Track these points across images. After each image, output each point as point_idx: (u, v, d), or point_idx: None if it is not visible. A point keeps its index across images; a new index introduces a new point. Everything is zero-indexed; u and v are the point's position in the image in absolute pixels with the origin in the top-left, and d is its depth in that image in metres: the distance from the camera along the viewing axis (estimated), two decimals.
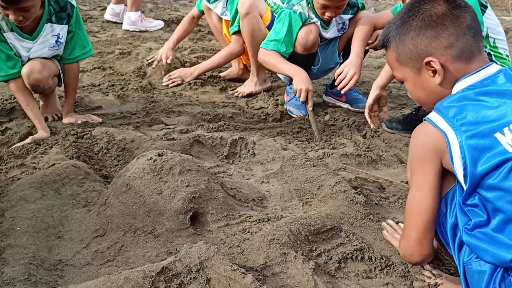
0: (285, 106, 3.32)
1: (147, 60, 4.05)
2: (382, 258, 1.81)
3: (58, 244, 1.91)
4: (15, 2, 2.53)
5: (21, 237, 1.88)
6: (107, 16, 5.34)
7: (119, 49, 4.37)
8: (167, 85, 3.69)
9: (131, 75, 3.79)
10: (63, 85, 3.07)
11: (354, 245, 1.87)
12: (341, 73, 2.94)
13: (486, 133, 1.27)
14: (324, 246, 1.85)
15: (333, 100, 3.47)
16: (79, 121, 2.95)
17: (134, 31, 4.99)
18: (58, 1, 2.84)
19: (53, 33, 2.86)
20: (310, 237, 1.86)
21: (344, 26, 3.24)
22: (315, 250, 1.83)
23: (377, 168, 2.61)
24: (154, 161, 2.04)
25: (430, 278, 1.72)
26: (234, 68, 3.91)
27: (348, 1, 3.08)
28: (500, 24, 2.64)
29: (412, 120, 3.01)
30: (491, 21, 2.52)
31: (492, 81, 1.35)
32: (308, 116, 2.99)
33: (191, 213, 1.96)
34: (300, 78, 2.95)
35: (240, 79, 3.84)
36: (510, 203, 1.24)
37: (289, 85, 3.38)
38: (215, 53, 3.90)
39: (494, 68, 1.39)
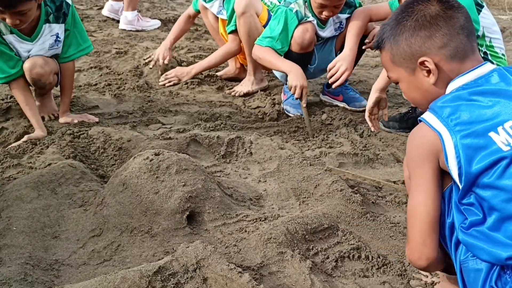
0: (282, 106, 3.33)
1: (144, 59, 4.04)
2: (379, 257, 1.81)
3: (54, 244, 1.90)
4: (11, 6, 2.52)
5: (17, 237, 1.87)
6: (105, 12, 5.32)
7: (116, 48, 4.36)
8: (164, 85, 3.69)
9: (127, 75, 3.79)
10: (59, 85, 3.06)
11: (351, 244, 1.87)
12: (333, 67, 2.95)
13: (480, 132, 1.28)
14: (321, 245, 1.85)
15: (330, 99, 3.47)
16: (76, 121, 2.95)
17: (130, 30, 4.97)
18: (54, 1, 2.84)
19: (52, 33, 2.86)
20: (307, 236, 1.86)
21: (341, 26, 3.25)
22: (312, 249, 1.83)
23: (374, 167, 2.62)
24: (150, 161, 2.04)
25: (427, 276, 1.73)
26: (231, 68, 3.91)
27: (346, 0, 3.08)
28: (496, 23, 2.65)
29: (409, 118, 3.02)
30: (487, 21, 2.52)
31: (486, 80, 1.36)
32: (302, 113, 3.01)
33: (187, 213, 1.96)
34: (295, 75, 2.95)
35: (237, 78, 3.84)
36: (505, 201, 1.24)
37: (285, 84, 3.38)
38: (212, 52, 3.90)
39: (487, 67, 1.40)
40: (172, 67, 3.84)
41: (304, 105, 2.96)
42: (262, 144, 2.68)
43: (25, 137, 2.67)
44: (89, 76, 3.82)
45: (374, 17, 3.12)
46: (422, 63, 1.42)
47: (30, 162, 2.44)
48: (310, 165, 2.43)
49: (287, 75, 3.02)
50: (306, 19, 3.07)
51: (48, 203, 2.08)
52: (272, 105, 3.35)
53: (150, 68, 3.87)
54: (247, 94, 3.56)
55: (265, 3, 3.54)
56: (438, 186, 1.38)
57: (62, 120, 2.98)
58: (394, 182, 2.41)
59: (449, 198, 1.39)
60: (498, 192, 1.25)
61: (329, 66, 3.00)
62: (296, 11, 3.06)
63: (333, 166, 2.25)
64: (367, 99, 2.69)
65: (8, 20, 2.58)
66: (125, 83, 3.64)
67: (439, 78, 1.42)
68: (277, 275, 1.69)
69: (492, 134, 1.27)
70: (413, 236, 1.39)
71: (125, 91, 3.52)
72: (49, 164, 2.38)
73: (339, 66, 2.95)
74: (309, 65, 3.30)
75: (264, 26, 3.40)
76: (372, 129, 2.58)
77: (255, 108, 3.37)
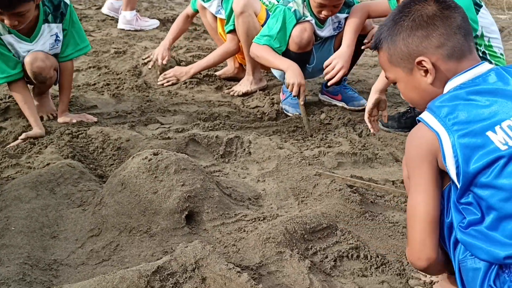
0: (280, 105, 3.32)
1: (143, 59, 4.04)
2: (378, 256, 1.81)
3: (53, 244, 1.90)
4: (10, 7, 2.52)
5: (16, 237, 1.87)
6: (105, 10, 5.31)
7: (115, 48, 4.35)
8: (162, 84, 3.69)
9: (126, 74, 3.78)
10: (57, 83, 3.06)
11: (350, 244, 1.87)
12: (329, 65, 2.96)
13: (477, 131, 1.28)
14: (319, 245, 1.85)
15: (329, 99, 3.47)
16: (74, 121, 2.95)
17: (129, 30, 4.97)
18: (52, 1, 2.84)
19: (51, 33, 2.87)
20: (305, 236, 1.86)
21: (339, 25, 3.24)
22: (311, 248, 1.83)
23: (373, 167, 2.62)
24: (149, 160, 2.04)
25: (426, 276, 1.73)
26: (229, 67, 3.91)
27: (345, 0, 3.08)
28: (495, 23, 2.65)
29: (407, 118, 3.02)
30: (485, 20, 2.52)
31: (483, 79, 1.37)
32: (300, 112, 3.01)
33: (186, 212, 1.96)
34: (293, 72, 2.95)
35: (235, 78, 3.84)
36: (503, 200, 1.24)
37: (284, 84, 3.38)
38: (211, 52, 3.90)
39: (485, 67, 1.40)
40: (171, 67, 3.83)
41: (302, 103, 2.97)
42: (261, 143, 2.68)
43: (23, 135, 2.67)
44: (88, 76, 3.82)
45: (373, 14, 3.12)
46: (419, 62, 1.43)
47: (29, 162, 2.44)
48: (309, 164, 2.43)
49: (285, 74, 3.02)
50: (304, 18, 3.07)
51: (46, 203, 2.08)
52: (271, 105, 3.35)
53: (149, 68, 3.87)
54: (246, 94, 3.56)
55: (264, 3, 3.54)
56: (437, 186, 1.38)
57: (60, 120, 2.98)
58: (393, 182, 2.41)
59: (448, 197, 1.39)
60: (496, 191, 1.25)
61: (325, 63, 3.01)
62: (295, 10, 3.05)
63: (323, 170, 2.23)
64: (366, 99, 2.69)
65: (6, 21, 2.59)
66: (124, 83, 3.63)
67: (437, 77, 1.43)
68: (276, 275, 1.69)
69: (489, 134, 1.28)
70: (413, 236, 1.39)
71: (123, 91, 3.52)
72: (48, 164, 2.37)
73: (335, 64, 2.95)
74: (307, 65, 3.30)
75: (263, 26, 3.40)
76: (372, 130, 2.55)
77: (254, 108, 3.37)
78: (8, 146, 2.64)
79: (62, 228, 1.99)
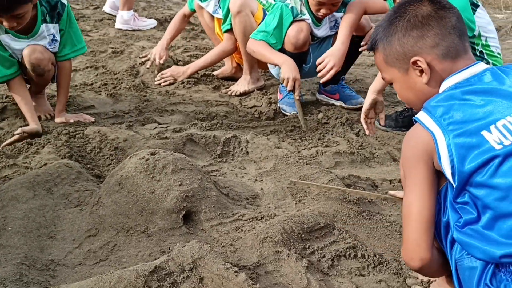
0: (278, 105, 3.33)
1: (140, 57, 4.04)
2: (375, 256, 1.81)
3: (50, 244, 1.90)
4: (9, 10, 2.53)
5: (13, 237, 1.87)
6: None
7: (112, 48, 4.35)
8: (160, 84, 3.68)
9: (123, 74, 3.78)
10: (55, 81, 3.06)
11: (347, 243, 1.87)
12: (321, 62, 2.97)
13: (473, 131, 1.29)
14: (317, 244, 1.85)
15: (326, 98, 3.48)
16: (71, 121, 2.94)
17: (127, 30, 4.96)
18: (49, 1, 2.84)
19: (48, 33, 2.87)
20: (303, 235, 1.86)
21: (336, 24, 3.24)
22: (308, 248, 1.83)
23: (370, 166, 2.62)
24: (146, 160, 2.03)
25: None
26: (227, 67, 3.91)
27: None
28: (492, 22, 2.65)
29: (405, 117, 3.02)
30: (482, 20, 2.52)
31: (479, 79, 1.37)
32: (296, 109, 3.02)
33: (184, 212, 1.96)
34: (288, 67, 2.95)
35: (233, 78, 3.84)
36: (498, 200, 1.25)
37: (282, 83, 3.38)
38: (208, 51, 3.90)
39: (480, 66, 1.41)
40: (168, 67, 3.83)
41: (297, 97, 2.97)
42: (258, 143, 2.68)
43: (19, 130, 2.67)
44: (85, 76, 3.81)
45: (369, 10, 3.11)
46: (414, 62, 1.44)
47: (26, 162, 2.44)
48: (307, 164, 2.43)
49: None
50: (301, 16, 3.07)
51: (43, 203, 2.07)
52: (269, 104, 3.35)
53: (147, 68, 3.87)
54: (244, 94, 3.56)
55: (261, 2, 3.54)
56: (433, 186, 1.39)
57: (58, 119, 2.97)
58: (390, 181, 2.41)
59: (445, 197, 1.39)
60: (491, 191, 1.25)
61: (318, 61, 3.01)
62: (292, 7, 3.06)
63: (297, 179, 2.22)
64: (363, 98, 2.68)
65: (5, 24, 2.61)
66: (121, 83, 3.63)
67: (432, 77, 1.43)
68: (274, 274, 1.69)
69: (484, 133, 1.28)
70: (407, 236, 1.39)
71: (121, 91, 3.52)
72: (45, 164, 2.37)
73: (327, 62, 2.96)
74: (304, 65, 3.30)
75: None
76: (367, 132, 2.51)
77: (251, 107, 3.37)
78: (4, 143, 2.63)
79: (59, 228, 1.98)
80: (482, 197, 1.27)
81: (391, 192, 1.96)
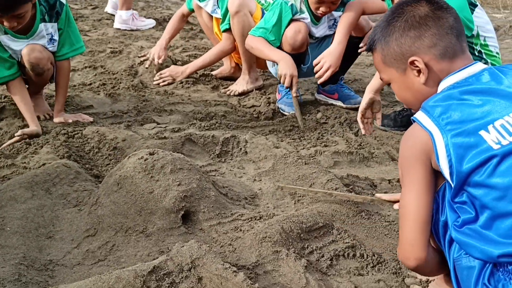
0: (277, 104, 3.33)
1: (139, 57, 4.04)
2: (374, 255, 1.82)
3: (48, 244, 1.90)
4: (10, 10, 2.53)
5: (11, 237, 1.86)
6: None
7: (111, 48, 4.35)
8: (158, 84, 3.68)
9: (122, 74, 3.78)
10: (53, 81, 3.06)
11: (346, 243, 1.87)
12: (318, 63, 2.97)
13: (471, 131, 1.29)
14: (316, 244, 1.85)
15: (325, 98, 3.48)
16: (70, 120, 2.94)
17: (125, 29, 4.96)
18: (48, 0, 2.84)
19: (47, 32, 2.87)
20: (302, 235, 1.86)
21: (335, 23, 3.24)
22: (307, 247, 1.83)
23: (369, 166, 2.62)
24: (145, 160, 2.03)
25: None
26: (226, 67, 3.91)
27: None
28: (490, 21, 2.65)
29: (403, 117, 3.02)
30: (481, 19, 2.53)
31: (477, 79, 1.38)
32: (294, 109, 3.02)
33: (182, 212, 1.96)
34: (285, 64, 2.96)
35: (232, 77, 3.84)
36: (496, 199, 1.25)
37: (280, 83, 3.37)
38: (207, 51, 3.90)
39: (478, 66, 1.42)
40: (167, 66, 3.83)
41: (294, 94, 2.98)
42: (257, 143, 2.68)
43: (19, 132, 2.67)
44: (84, 76, 3.81)
45: (368, 10, 3.12)
46: (412, 62, 1.45)
47: (24, 162, 2.43)
48: (305, 164, 2.43)
49: None
50: (300, 14, 3.07)
51: (42, 203, 2.07)
52: (267, 104, 3.35)
53: (146, 68, 3.87)
54: (242, 93, 3.56)
55: (259, 2, 3.54)
56: (430, 186, 1.39)
57: (56, 119, 2.97)
58: (389, 180, 2.41)
59: (443, 196, 1.40)
60: (489, 191, 1.26)
61: (314, 62, 3.02)
62: (292, 5, 3.06)
63: (285, 184, 2.22)
64: (362, 97, 2.68)
65: (6, 24, 2.61)
66: (120, 83, 3.63)
67: (429, 77, 1.44)
68: (272, 274, 1.69)
69: (482, 133, 1.28)
70: (402, 236, 1.40)
71: (119, 91, 3.51)
72: (43, 164, 2.37)
73: (323, 63, 2.97)
74: (302, 65, 3.30)
75: None
76: (363, 131, 2.49)
77: (250, 107, 3.37)
78: (4, 145, 2.63)
79: (58, 228, 1.98)
80: (480, 197, 1.27)
81: (378, 194, 1.97)
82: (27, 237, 1.88)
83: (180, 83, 3.68)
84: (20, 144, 2.61)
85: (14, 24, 2.61)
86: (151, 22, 5.19)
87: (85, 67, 3.92)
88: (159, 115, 3.18)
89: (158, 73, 3.74)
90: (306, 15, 3.10)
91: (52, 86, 3.21)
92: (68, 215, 2.05)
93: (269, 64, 3.38)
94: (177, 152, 2.30)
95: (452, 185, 1.32)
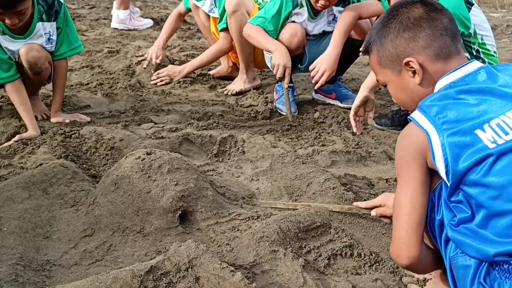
0: (274, 104, 3.33)
1: (136, 56, 4.03)
2: (371, 254, 1.82)
3: (46, 244, 1.89)
4: (12, 6, 2.53)
5: (8, 237, 1.86)
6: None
7: (108, 47, 4.34)
8: (156, 84, 3.68)
9: (119, 74, 3.77)
10: (51, 81, 3.05)
11: (343, 242, 1.87)
12: (314, 68, 2.98)
13: (467, 130, 1.30)
14: (313, 243, 1.85)
15: (322, 97, 3.48)
16: (67, 120, 2.94)
17: (123, 29, 4.95)
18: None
19: (45, 31, 2.86)
20: (299, 234, 1.86)
21: (335, 19, 3.24)
22: (305, 247, 1.83)
23: (366, 165, 2.62)
24: (142, 160, 2.03)
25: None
26: (223, 66, 3.91)
27: None
28: (487, 20, 2.66)
29: (401, 116, 3.03)
30: (477, 18, 2.53)
31: (473, 78, 1.39)
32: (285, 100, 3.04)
33: (180, 212, 1.96)
34: (280, 54, 2.96)
35: (229, 77, 3.84)
36: (492, 198, 1.25)
37: (277, 83, 3.38)
38: (204, 51, 3.90)
39: (474, 65, 1.42)
40: (164, 66, 3.83)
41: (286, 86, 2.98)
42: (254, 142, 2.68)
43: (17, 137, 2.66)
44: (81, 76, 3.80)
45: (364, 15, 3.13)
46: (407, 63, 1.46)
47: (21, 162, 2.43)
48: (303, 163, 2.43)
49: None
50: (299, 8, 3.08)
51: (39, 204, 2.07)
52: (265, 104, 3.35)
53: (144, 68, 3.86)
54: (240, 93, 3.56)
55: (256, 1, 3.54)
56: (426, 185, 1.39)
57: (53, 119, 2.96)
58: (387, 180, 2.42)
59: (439, 195, 1.40)
60: (485, 190, 1.26)
61: (310, 67, 3.03)
62: None
63: (265, 200, 2.22)
64: None
65: (7, 21, 2.61)
66: (117, 82, 3.62)
67: (424, 78, 1.45)
68: (270, 274, 1.69)
69: (478, 132, 1.29)
70: (396, 234, 1.40)
71: (117, 90, 3.51)
72: (41, 164, 2.36)
73: (319, 67, 2.98)
74: (299, 65, 3.31)
75: None
76: (355, 130, 2.50)
77: (247, 107, 3.37)
78: (1, 146, 2.62)
79: (55, 228, 1.98)
80: (476, 196, 1.27)
81: (355, 203, 1.97)
82: (24, 237, 1.88)
83: (177, 83, 3.68)
84: (17, 144, 2.60)
85: (15, 21, 2.61)
86: (149, 22, 5.19)
87: (83, 67, 3.91)
88: (157, 115, 3.17)
89: (156, 73, 3.74)
90: (304, 9, 3.10)
91: (49, 86, 3.21)
92: (65, 215, 2.05)
93: (267, 58, 3.38)
94: (175, 152, 2.30)
95: (448, 184, 1.32)
